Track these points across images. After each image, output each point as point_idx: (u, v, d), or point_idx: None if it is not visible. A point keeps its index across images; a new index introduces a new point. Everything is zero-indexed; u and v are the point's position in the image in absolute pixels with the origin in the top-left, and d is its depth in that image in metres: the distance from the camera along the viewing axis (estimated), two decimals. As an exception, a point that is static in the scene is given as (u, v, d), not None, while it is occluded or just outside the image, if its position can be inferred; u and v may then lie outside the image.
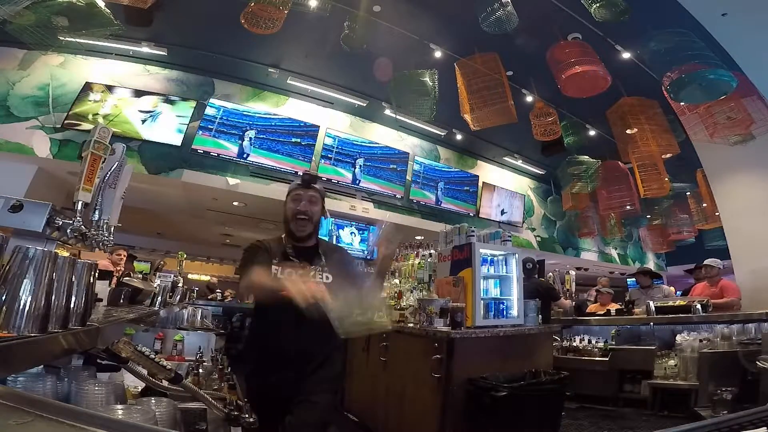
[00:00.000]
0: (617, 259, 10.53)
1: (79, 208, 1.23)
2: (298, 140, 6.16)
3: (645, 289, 5.37)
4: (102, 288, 1.93)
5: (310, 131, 6.28)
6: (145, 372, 1.39)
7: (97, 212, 1.36)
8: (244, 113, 5.89)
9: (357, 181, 6.60)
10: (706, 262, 4.78)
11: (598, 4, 3.67)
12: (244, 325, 5.56)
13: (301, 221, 1.64)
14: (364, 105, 6.51)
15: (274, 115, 6.14)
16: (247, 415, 1.35)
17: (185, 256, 4.55)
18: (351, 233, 6.70)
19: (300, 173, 6.26)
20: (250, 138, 5.81)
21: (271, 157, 5.93)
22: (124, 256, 4.65)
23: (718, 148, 4.97)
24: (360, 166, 6.64)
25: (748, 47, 3.88)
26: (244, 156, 5.74)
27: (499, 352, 2.97)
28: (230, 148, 5.68)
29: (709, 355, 3.64)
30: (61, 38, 3.74)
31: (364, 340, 3.47)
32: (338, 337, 1.47)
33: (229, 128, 5.72)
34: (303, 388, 1.51)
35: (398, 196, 7.01)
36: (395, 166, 6.99)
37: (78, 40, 3.93)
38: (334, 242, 6.51)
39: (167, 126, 5.44)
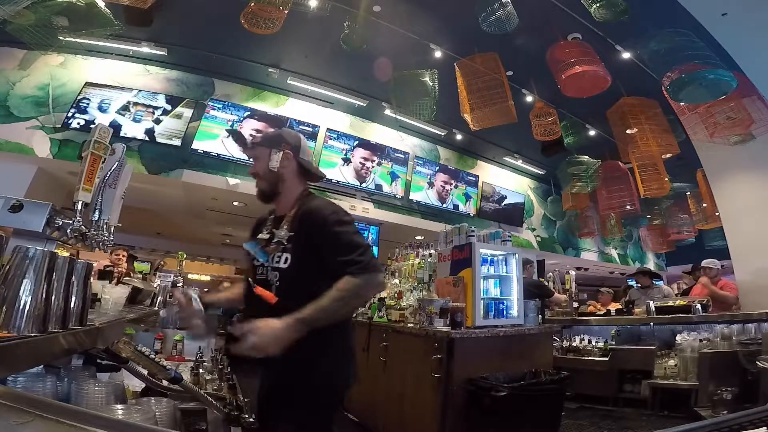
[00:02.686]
0: (617, 259, 10.53)
1: (79, 208, 1.23)
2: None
3: (645, 289, 5.37)
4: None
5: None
6: (145, 372, 1.39)
7: (97, 212, 1.36)
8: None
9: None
10: (704, 263, 4.76)
11: (598, 4, 3.67)
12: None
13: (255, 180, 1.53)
14: (364, 105, 6.51)
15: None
16: (247, 415, 1.34)
17: (185, 256, 4.53)
18: (351, 233, 6.68)
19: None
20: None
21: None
22: (124, 256, 4.64)
23: (718, 148, 4.97)
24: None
25: (748, 47, 3.88)
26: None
27: (499, 352, 2.97)
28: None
29: (709, 355, 3.63)
30: (61, 38, 3.74)
31: (365, 340, 3.47)
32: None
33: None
34: None
35: (398, 195, 7.01)
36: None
37: (78, 40, 3.93)
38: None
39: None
